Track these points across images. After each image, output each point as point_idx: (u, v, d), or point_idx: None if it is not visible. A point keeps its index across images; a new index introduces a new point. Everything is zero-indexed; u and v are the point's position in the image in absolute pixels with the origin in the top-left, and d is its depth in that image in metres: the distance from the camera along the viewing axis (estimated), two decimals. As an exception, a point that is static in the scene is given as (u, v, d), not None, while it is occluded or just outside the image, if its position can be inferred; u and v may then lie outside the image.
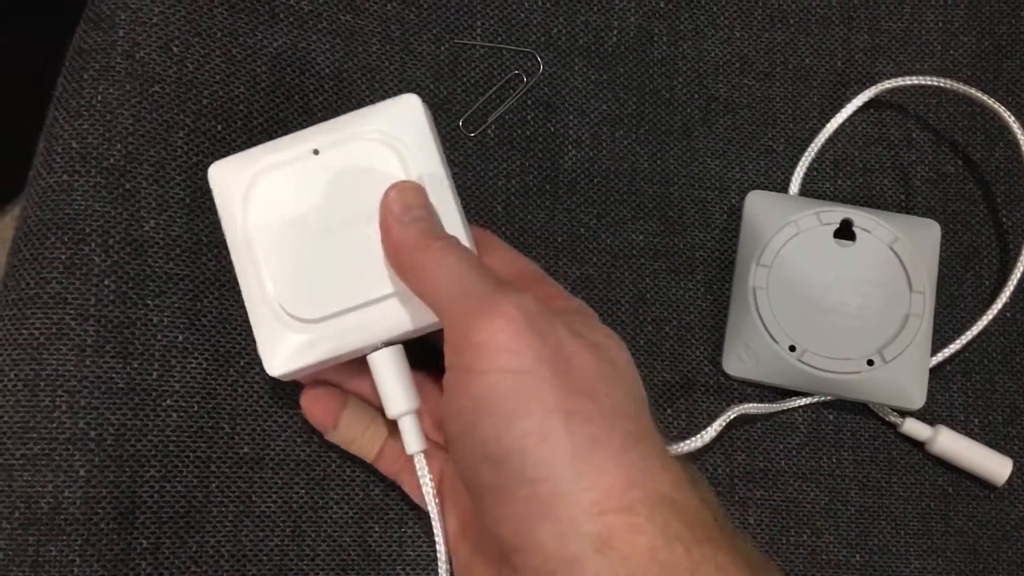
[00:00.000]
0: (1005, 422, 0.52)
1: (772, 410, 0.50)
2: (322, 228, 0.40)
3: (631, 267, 0.51)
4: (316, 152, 0.41)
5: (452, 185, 0.41)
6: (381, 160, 0.41)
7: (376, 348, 0.41)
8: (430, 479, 0.41)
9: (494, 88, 0.52)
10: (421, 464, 0.41)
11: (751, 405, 0.49)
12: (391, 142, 0.41)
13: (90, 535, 0.41)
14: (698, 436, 0.48)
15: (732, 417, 0.48)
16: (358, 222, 0.40)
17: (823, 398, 0.51)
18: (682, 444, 0.47)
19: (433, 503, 0.40)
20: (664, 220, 0.52)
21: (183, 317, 0.44)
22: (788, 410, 0.50)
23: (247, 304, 0.40)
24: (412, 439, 0.41)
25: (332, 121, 0.42)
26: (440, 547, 0.40)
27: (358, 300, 0.40)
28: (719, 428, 0.48)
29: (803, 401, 0.50)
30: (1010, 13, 0.57)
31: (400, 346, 0.41)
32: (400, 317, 0.40)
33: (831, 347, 0.50)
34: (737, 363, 0.50)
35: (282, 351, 0.40)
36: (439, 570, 0.40)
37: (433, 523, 0.40)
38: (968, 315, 0.53)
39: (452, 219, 0.41)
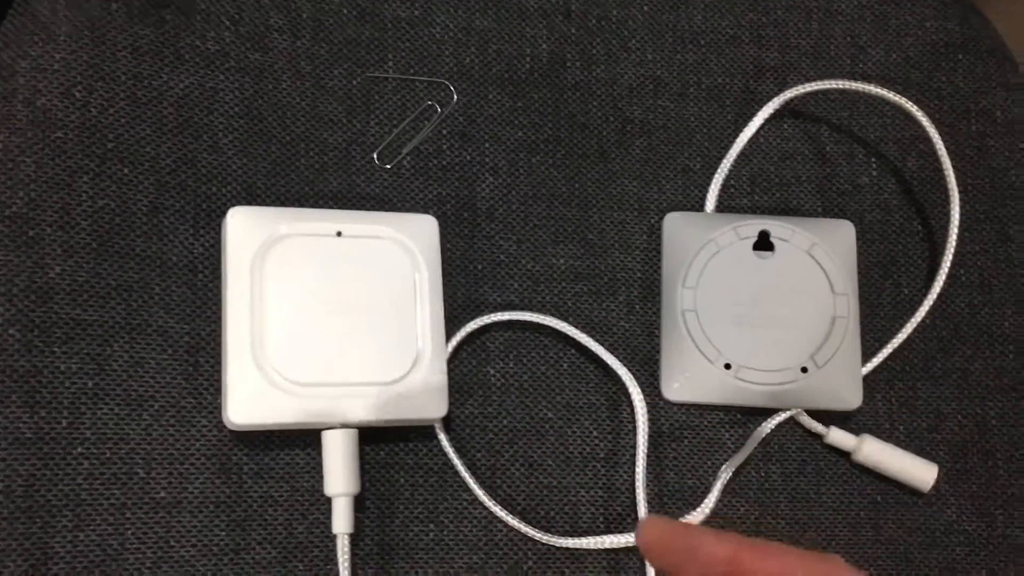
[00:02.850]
0: (930, 428, 0.52)
1: (750, 451, 0.50)
2: (328, 304, 0.45)
3: (552, 291, 0.51)
4: (339, 234, 0.46)
5: (442, 303, 0.47)
6: (397, 263, 0.46)
7: (334, 427, 0.44)
8: (349, 563, 0.44)
9: (408, 120, 0.52)
10: (344, 546, 0.44)
11: (735, 459, 0.49)
12: (408, 251, 0.47)
13: (0, 590, 0.40)
14: (699, 509, 0.48)
15: (726, 480, 0.49)
16: (362, 310, 0.45)
17: (789, 414, 0.51)
18: (685, 518, 0.48)
19: None
20: (584, 243, 0.52)
21: (92, 363, 0.44)
22: (716, 425, 0.51)
23: (228, 350, 0.43)
24: (342, 520, 0.44)
25: (356, 212, 0.47)
26: None
27: (339, 379, 0.44)
28: (718, 495, 0.48)
29: (773, 422, 0.50)
30: (916, 24, 0.58)
31: (355, 431, 0.44)
32: (370, 406, 0.44)
33: (765, 360, 0.50)
34: (676, 389, 0.50)
35: (254, 404, 0.43)
36: None
37: None
38: (888, 323, 0.53)
39: (438, 331, 0.47)
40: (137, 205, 0.46)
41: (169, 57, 0.48)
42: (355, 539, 0.46)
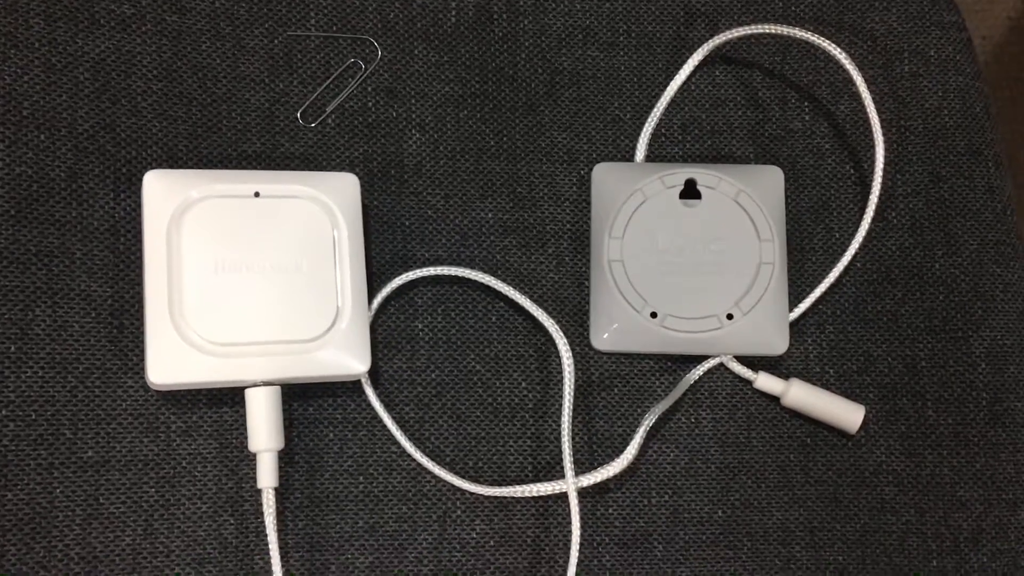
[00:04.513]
0: (859, 371, 0.53)
1: (677, 397, 0.50)
2: (246, 264, 0.45)
3: (481, 245, 0.52)
4: (257, 195, 0.46)
5: (363, 259, 0.48)
6: (315, 222, 0.47)
7: (256, 384, 0.45)
8: (274, 516, 0.45)
9: (332, 78, 0.52)
10: (269, 500, 0.45)
11: (660, 405, 0.50)
12: (327, 209, 0.47)
13: (-70, 549, 0.41)
14: (622, 456, 0.48)
15: (649, 426, 0.49)
16: (281, 270, 0.45)
17: (714, 363, 0.51)
18: (608, 467, 0.48)
19: (274, 537, 0.44)
20: (513, 196, 0.53)
21: (14, 328, 0.44)
22: (646, 373, 0.51)
23: (147, 311, 0.43)
24: (266, 475, 0.45)
25: (275, 172, 0.47)
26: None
27: (258, 338, 0.44)
28: (639, 443, 0.49)
29: (701, 369, 0.51)
30: (849, -35, 0.57)
31: (278, 388, 0.45)
32: (291, 363, 0.45)
33: (691, 307, 0.51)
34: (604, 339, 0.51)
35: (173, 364, 0.43)
36: None
37: (272, 556, 0.44)
38: (820, 268, 0.53)
39: (359, 288, 0.47)
40: (56, 171, 0.47)
41: (84, 22, 0.48)
42: (284, 493, 0.47)
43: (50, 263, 0.46)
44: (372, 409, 0.48)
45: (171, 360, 0.43)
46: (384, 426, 0.48)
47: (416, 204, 0.52)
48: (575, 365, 0.50)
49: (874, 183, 0.52)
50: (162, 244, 0.44)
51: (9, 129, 0.46)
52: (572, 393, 0.49)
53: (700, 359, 0.51)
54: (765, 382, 0.51)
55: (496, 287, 0.50)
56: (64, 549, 0.44)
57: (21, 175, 0.46)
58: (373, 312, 0.49)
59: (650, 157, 0.54)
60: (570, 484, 0.48)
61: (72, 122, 0.47)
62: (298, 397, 0.48)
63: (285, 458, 0.47)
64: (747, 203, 0.52)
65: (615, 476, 0.49)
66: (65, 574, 0.43)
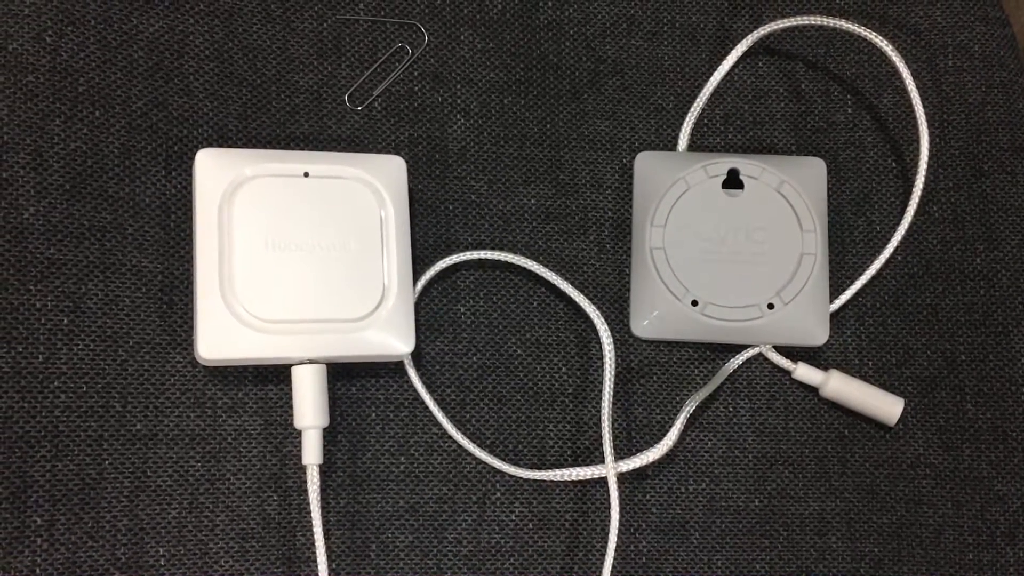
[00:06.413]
0: (899, 363, 0.53)
1: (716, 385, 0.51)
2: (295, 242, 0.46)
3: (523, 230, 0.52)
4: (307, 175, 0.46)
5: (409, 242, 0.48)
6: (363, 202, 0.47)
7: (302, 362, 0.45)
8: (318, 493, 0.45)
9: (379, 62, 0.52)
10: (313, 476, 0.45)
11: (699, 393, 0.50)
12: (375, 191, 0.48)
13: (-17, 516, 0.42)
14: (662, 443, 0.49)
15: (690, 412, 0.49)
16: (330, 248, 0.46)
17: (753, 352, 0.51)
18: (648, 452, 0.48)
19: (318, 514, 0.45)
20: (555, 183, 0.53)
21: (67, 301, 0.45)
22: (686, 362, 0.52)
23: (197, 287, 0.44)
24: (311, 451, 0.45)
25: (324, 153, 0.48)
26: (320, 551, 0.45)
27: (306, 316, 0.45)
28: (680, 428, 0.49)
29: (741, 358, 0.51)
30: (894, -41, 0.57)
31: (323, 366, 0.46)
32: (336, 342, 0.45)
33: (732, 296, 0.51)
34: (644, 326, 0.51)
35: (222, 339, 0.44)
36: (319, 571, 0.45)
37: (315, 531, 0.45)
38: (860, 260, 0.53)
39: (404, 269, 0.47)
40: (109, 147, 0.47)
41: (139, 1, 0.49)
42: (327, 470, 0.47)
43: (103, 238, 0.46)
44: (414, 390, 0.49)
45: (220, 336, 0.44)
46: (426, 407, 0.49)
47: (460, 189, 0.52)
48: (615, 351, 0.51)
49: (918, 177, 0.52)
50: (213, 221, 0.45)
51: (65, 105, 0.47)
52: (612, 379, 0.49)
53: (739, 348, 0.52)
54: (804, 372, 0.51)
55: (538, 272, 0.50)
56: (112, 520, 0.44)
57: (76, 151, 0.46)
58: (417, 294, 0.49)
59: (692, 147, 0.54)
60: (610, 469, 0.48)
61: (126, 99, 0.48)
62: (341, 377, 0.48)
63: (328, 437, 0.48)
64: (790, 193, 0.52)
65: (653, 463, 0.49)
66: (112, 544, 0.44)
